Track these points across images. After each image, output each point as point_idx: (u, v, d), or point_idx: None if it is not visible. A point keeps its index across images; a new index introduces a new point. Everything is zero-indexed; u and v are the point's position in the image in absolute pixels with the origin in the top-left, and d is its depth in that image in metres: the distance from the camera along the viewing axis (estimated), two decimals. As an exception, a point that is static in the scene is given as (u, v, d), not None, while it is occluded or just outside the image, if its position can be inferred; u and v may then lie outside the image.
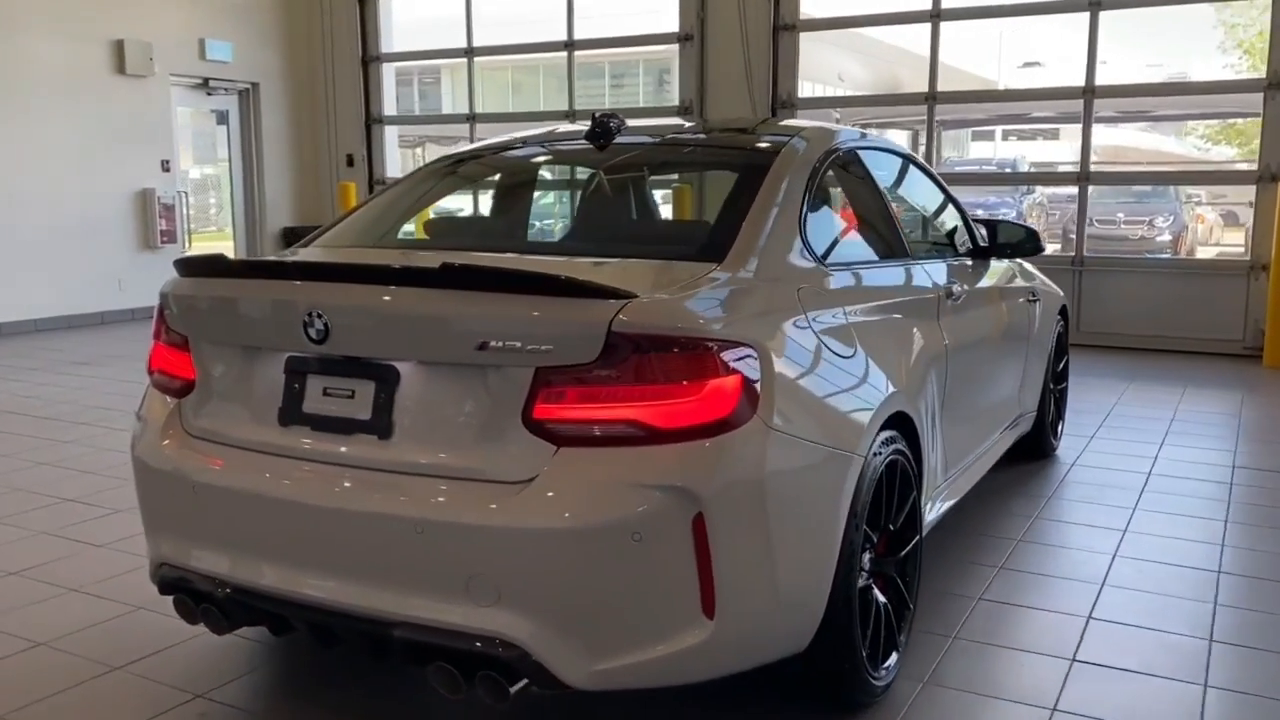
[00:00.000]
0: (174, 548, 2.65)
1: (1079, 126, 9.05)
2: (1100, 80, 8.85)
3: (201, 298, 2.65)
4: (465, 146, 3.69)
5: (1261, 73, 8.40)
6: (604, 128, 3.24)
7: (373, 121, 12.62)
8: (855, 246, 3.33)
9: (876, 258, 3.39)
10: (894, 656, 2.88)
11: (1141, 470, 5.08)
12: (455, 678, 2.27)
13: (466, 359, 2.27)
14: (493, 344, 2.23)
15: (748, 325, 2.38)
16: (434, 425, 2.34)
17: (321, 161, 12.86)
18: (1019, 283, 4.70)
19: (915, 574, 3.05)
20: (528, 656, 2.19)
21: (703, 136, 3.97)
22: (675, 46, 10.64)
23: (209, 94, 11.98)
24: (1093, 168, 9.17)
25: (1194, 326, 8.72)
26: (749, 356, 2.31)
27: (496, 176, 3.88)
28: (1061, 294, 5.45)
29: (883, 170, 3.71)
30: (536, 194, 3.73)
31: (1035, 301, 4.81)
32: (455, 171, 3.67)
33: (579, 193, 3.61)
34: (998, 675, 2.98)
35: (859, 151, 3.51)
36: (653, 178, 3.66)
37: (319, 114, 12.75)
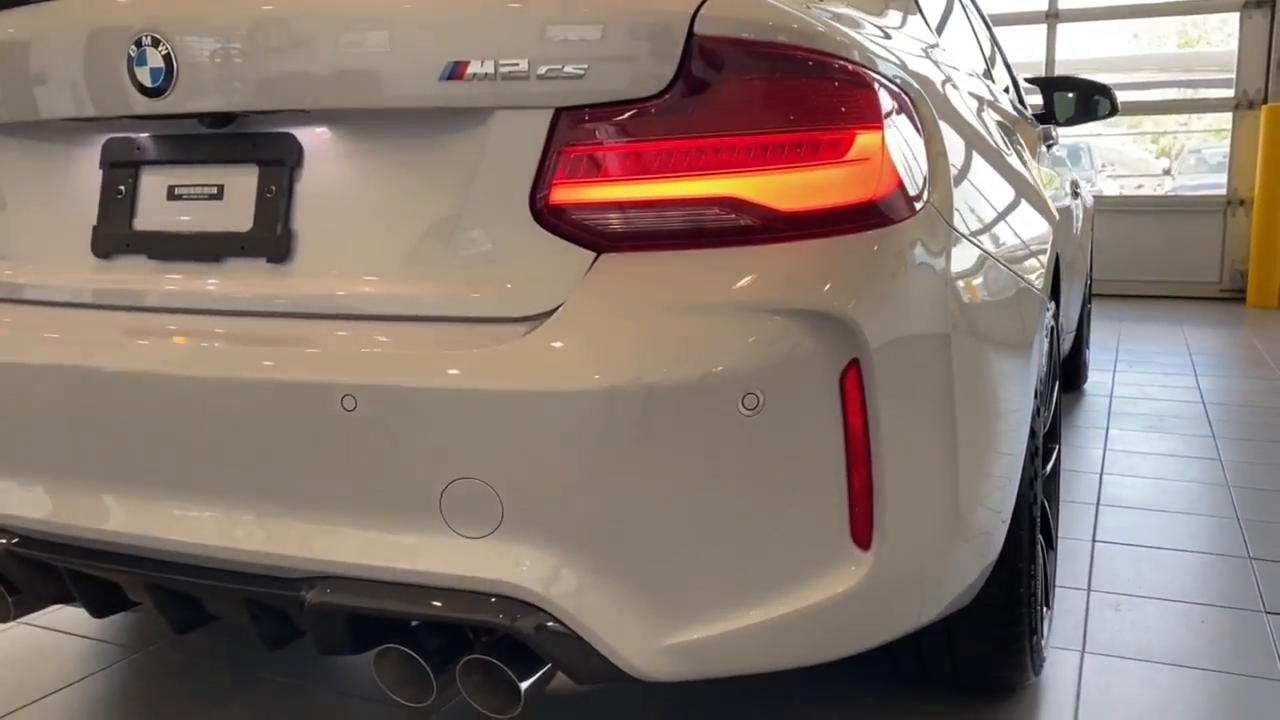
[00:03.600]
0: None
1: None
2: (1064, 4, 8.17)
3: None
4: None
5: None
6: None
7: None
8: (950, 46, 2.39)
9: (970, 67, 2.47)
10: (1048, 615, 1.98)
11: (1194, 400, 4.31)
12: (418, 669, 1.28)
13: (422, 100, 1.27)
14: (473, 67, 1.24)
15: (898, 57, 1.43)
16: (367, 232, 1.33)
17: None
18: (1065, 170, 3.86)
19: (1057, 500, 2.16)
20: (554, 625, 1.21)
21: None
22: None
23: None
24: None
25: (1166, 269, 8.08)
26: (909, 104, 1.36)
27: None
28: (1092, 197, 4.64)
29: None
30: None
31: (1078, 196, 3.97)
32: None
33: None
34: (1183, 636, 2.10)
35: None
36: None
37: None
